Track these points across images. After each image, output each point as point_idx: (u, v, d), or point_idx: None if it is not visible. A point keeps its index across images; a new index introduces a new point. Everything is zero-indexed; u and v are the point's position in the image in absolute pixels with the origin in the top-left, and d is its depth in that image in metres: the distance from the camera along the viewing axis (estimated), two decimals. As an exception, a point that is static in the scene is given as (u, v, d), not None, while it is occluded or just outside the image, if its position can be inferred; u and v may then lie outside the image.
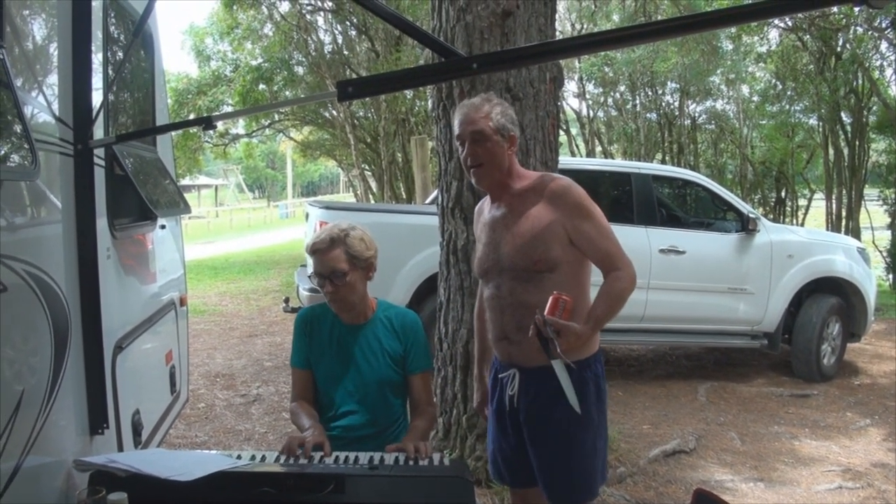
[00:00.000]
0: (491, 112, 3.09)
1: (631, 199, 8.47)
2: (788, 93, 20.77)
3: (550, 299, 2.81)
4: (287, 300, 8.84)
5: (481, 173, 3.14)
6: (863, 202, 18.54)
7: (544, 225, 3.02)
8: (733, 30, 17.28)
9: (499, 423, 3.32)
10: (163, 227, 4.71)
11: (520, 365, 3.15)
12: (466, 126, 3.10)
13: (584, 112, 27.00)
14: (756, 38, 20.16)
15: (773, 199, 22.89)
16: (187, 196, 5.30)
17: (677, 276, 8.24)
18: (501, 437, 3.32)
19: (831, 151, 19.66)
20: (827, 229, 18.34)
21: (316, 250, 3.36)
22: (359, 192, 27.96)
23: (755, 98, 23.52)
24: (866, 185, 19.60)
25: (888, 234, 16.59)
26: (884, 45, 17.60)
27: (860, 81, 17.77)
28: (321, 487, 2.68)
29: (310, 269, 8.13)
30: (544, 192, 3.07)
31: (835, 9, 14.75)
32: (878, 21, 15.74)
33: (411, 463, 2.92)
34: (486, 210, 3.33)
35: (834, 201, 19.42)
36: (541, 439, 3.14)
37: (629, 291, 3.00)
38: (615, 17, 21.61)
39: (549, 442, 3.11)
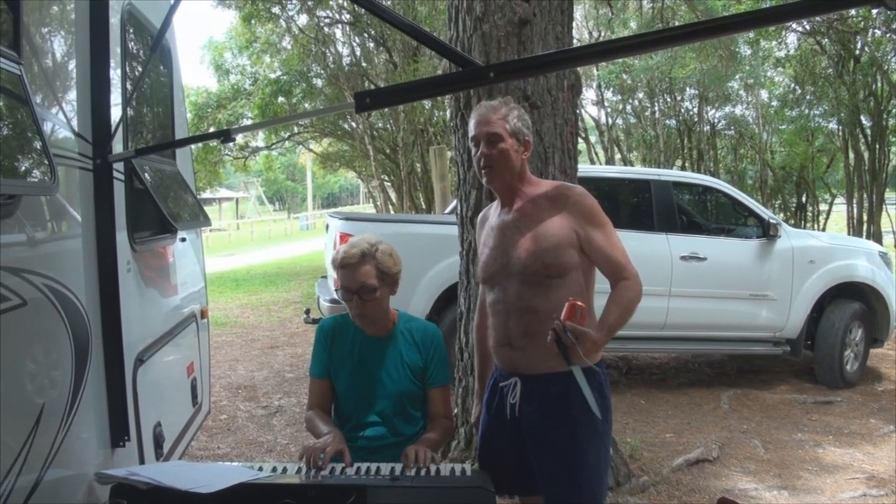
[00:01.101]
0: (508, 115, 3.09)
1: (651, 206, 8.43)
2: (807, 97, 20.69)
3: (567, 306, 2.80)
4: (308, 311, 8.86)
5: (493, 174, 3.13)
6: (884, 206, 18.43)
7: (559, 231, 3.02)
8: (751, 34, 17.21)
9: (495, 433, 3.28)
10: (183, 239, 4.73)
11: (522, 372, 3.12)
12: (482, 127, 3.10)
13: (603, 119, 27.03)
14: (774, 42, 20.08)
15: (794, 205, 22.79)
16: (208, 209, 5.32)
17: (698, 283, 8.21)
18: (499, 447, 3.27)
19: (851, 155, 19.56)
20: (848, 234, 18.24)
21: (346, 265, 3.33)
22: (378, 202, 28.04)
23: (774, 103, 23.44)
24: (887, 189, 19.48)
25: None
26: (902, 48, 17.53)
27: (879, 84, 17.69)
28: (342, 498, 2.68)
29: (330, 281, 8.16)
30: (559, 200, 3.07)
31: (853, 11, 14.70)
32: (897, 23, 15.67)
33: (433, 473, 2.91)
34: (492, 215, 3.32)
35: (855, 205, 19.31)
36: (544, 447, 3.09)
37: (637, 301, 3.00)
38: (632, 24, 21.60)
39: (553, 450, 3.07)
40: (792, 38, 20.25)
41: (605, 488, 3.19)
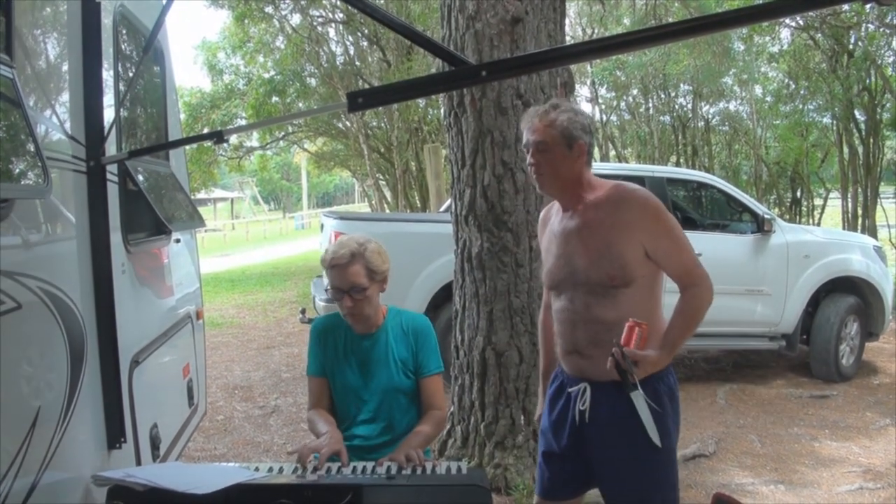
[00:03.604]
0: (556, 120, 2.99)
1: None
2: (801, 92, 20.65)
3: (626, 328, 2.79)
4: (304, 311, 8.86)
5: (543, 182, 3.07)
6: (878, 200, 18.42)
7: (621, 238, 2.94)
8: (745, 30, 17.22)
9: (554, 434, 3.24)
10: (177, 241, 4.73)
11: (591, 379, 3.06)
12: (530, 134, 3.04)
13: (597, 116, 26.98)
14: (768, 38, 20.09)
15: (789, 200, 22.76)
16: (203, 210, 5.32)
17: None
18: (553, 448, 3.24)
19: (846, 150, 19.54)
20: (843, 228, 18.26)
21: (335, 265, 3.34)
22: (373, 201, 28.04)
23: (768, 98, 23.41)
24: (882, 183, 19.48)
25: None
26: (896, 42, 17.54)
27: (873, 79, 17.67)
28: (338, 498, 2.68)
29: (325, 282, 8.16)
30: (621, 205, 2.98)
31: (846, 7, 14.70)
32: (890, 18, 15.68)
33: (429, 471, 2.92)
34: (553, 219, 3.25)
35: (849, 200, 19.30)
36: (611, 456, 3.06)
37: (706, 309, 2.97)
38: (626, 21, 21.59)
39: (624, 462, 3.03)
40: (785, 34, 20.25)
41: (676, 495, 3.13)
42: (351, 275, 3.32)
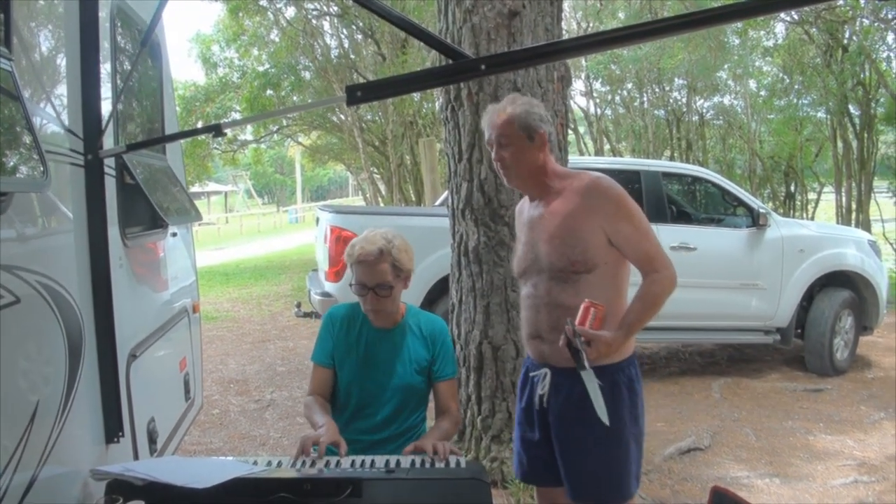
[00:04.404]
0: (514, 114, 3.06)
1: (640, 197, 8.39)
2: (796, 86, 20.73)
3: (581, 307, 2.81)
4: (299, 305, 8.85)
5: (509, 176, 3.15)
6: (872, 194, 18.47)
7: (582, 225, 2.99)
8: (739, 25, 17.22)
9: (526, 421, 3.29)
10: (174, 234, 4.72)
11: (552, 364, 3.12)
12: (491, 130, 3.10)
13: (592, 110, 27.01)
14: (762, 32, 20.12)
15: (783, 194, 22.82)
16: (197, 203, 5.31)
17: (689, 273, 8.14)
18: (529, 436, 3.29)
19: (840, 144, 19.61)
20: (837, 222, 18.30)
21: (362, 261, 3.33)
22: (368, 195, 28.01)
23: (763, 92, 23.45)
24: (875, 178, 19.53)
25: (898, 225, 16.57)
26: (890, 37, 17.63)
27: (867, 73, 17.71)
28: (338, 492, 2.68)
29: (322, 274, 8.13)
30: (582, 191, 3.03)
31: (840, 1, 14.74)
32: (885, 12, 15.70)
33: (429, 465, 2.92)
34: (525, 209, 3.30)
35: (843, 194, 19.37)
36: (570, 441, 3.11)
37: (667, 295, 2.99)
38: (621, 15, 21.58)
39: (579, 444, 3.08)
40: (780, 28, 20.31)
41: (633, 481, 3.19)
42: (378, 272, 3.33)
